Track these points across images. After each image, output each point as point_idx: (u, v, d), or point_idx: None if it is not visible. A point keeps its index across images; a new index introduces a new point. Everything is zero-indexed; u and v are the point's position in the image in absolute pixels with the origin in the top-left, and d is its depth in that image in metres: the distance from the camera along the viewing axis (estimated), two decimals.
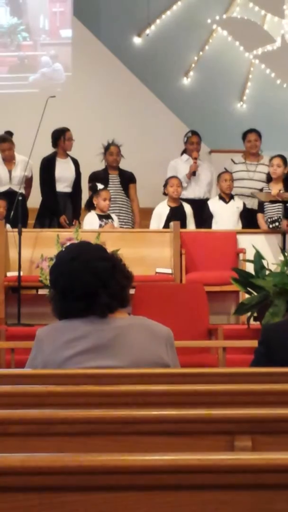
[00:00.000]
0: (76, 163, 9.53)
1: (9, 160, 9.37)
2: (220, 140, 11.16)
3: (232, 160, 9.88)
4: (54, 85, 11.25)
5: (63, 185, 9.45)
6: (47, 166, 9.41)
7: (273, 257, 8.45)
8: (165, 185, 9.28)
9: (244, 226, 9.26)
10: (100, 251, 3.10)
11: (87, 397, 2.62)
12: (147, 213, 9.57)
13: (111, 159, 9.63)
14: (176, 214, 9.16)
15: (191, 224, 9.28)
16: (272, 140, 10.30)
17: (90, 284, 2.97)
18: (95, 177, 9.44)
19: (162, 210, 9.26)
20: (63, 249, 3.38)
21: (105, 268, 3.00)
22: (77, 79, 11.38)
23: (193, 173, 9.73)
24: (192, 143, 9.87)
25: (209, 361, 6.73)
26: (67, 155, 9.54)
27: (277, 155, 9.28)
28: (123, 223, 9.36)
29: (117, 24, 11.55)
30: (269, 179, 9.36)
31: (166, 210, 9.23)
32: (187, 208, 9.32)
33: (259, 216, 9.23)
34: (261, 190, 9.31)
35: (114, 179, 9.60)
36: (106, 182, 9.35)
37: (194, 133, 10.00)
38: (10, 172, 9.36)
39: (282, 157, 9.27)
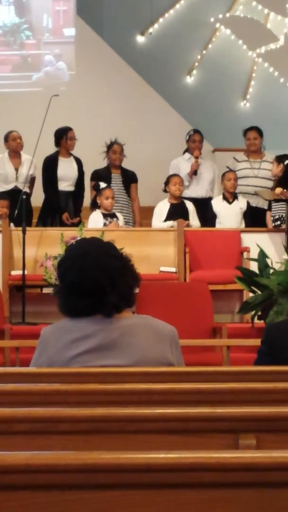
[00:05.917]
0: (79, 162, 9.53)
1: (19, 151, 9.36)
2: (224, 138, 11.15)
3: (235, 159, 9.84)
4: (57, 84, 11.25)
5: (65, 184, 9.44)
6: (50, 165, 9.41)
7: (277, 255, 8.44)
8: (166, 183, 9.26)
9: (248, 225, 9.22)
10: (111, 249, 3.05)
11: (92, 396, 2.63)
12: (149, 211, 9.55)
13: (114, 157, 9.58)
14: (177, 211, 9.15)
15: (195, 220, 9.25)
16: (275, 139, 10.29)
17: (99, 281, 2.92)
18: (97, 176, 9.42)
19: (162, 207, 9.25)
20: (74, 243, 3.32)
21: (116, 266, 2.96)
22: (81, 77, 11.38)
23: (194, 172, 9.70)
24: (194, 141, 9.84)
25: (213, 360, 6.72)
26: (70, 154, 9.53)
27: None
28: (124, 222, 9.34)
29: (120, 22, 11.54)
30: None
31: (167, 206, 9.21)
32: (189, 206, 9.28)
33: (268, 214, 9.21)
34: (272, 189, 9.29)
35: (116, 178, 9.57)
36: (108, 181, 9.32)
37: (196, 131, 9.98)
38: (17, 170, 9.36)
39: None
